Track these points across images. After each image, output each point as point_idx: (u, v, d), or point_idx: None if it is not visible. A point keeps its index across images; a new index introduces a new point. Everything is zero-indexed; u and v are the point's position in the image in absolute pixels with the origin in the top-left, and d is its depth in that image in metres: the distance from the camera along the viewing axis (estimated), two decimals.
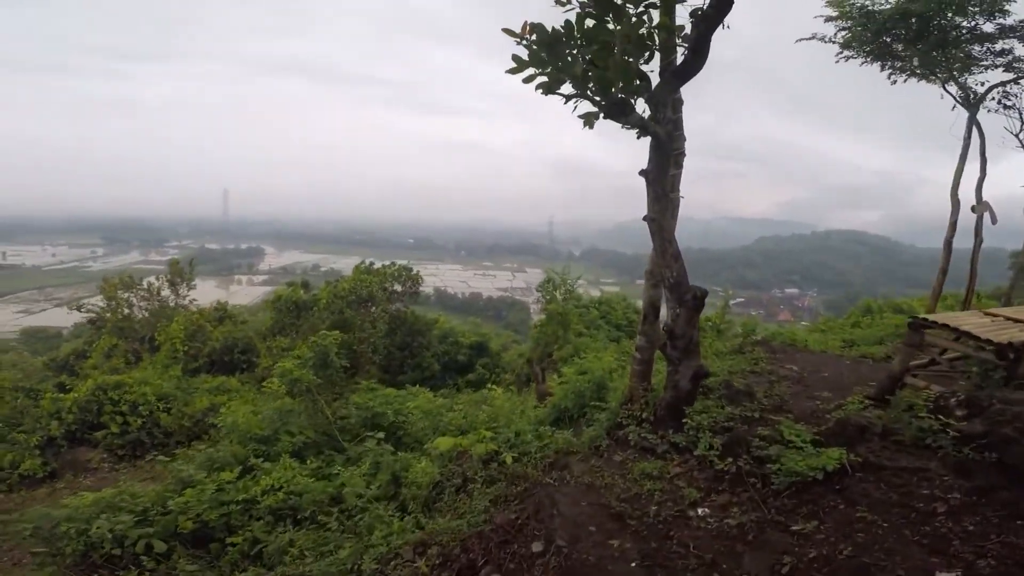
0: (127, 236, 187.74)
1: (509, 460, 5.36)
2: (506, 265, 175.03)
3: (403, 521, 4.72)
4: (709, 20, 4.30)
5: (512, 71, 4.39)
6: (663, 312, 5.87)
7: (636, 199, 5.54)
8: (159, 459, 8.45)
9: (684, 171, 5.89)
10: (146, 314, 20.64)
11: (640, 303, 6.55)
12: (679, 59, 4.91)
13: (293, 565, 4.14)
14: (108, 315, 20.50)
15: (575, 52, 4.34)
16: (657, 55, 4.75)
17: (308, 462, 6.25)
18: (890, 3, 9.33)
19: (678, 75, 4.88)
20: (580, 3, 4.16)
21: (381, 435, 6.24)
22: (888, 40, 9.95)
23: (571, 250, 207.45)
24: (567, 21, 4.16)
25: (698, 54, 4.56)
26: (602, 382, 7.25)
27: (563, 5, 4.26)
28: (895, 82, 10.83)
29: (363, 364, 16.79)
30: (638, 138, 5.25)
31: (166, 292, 21.56)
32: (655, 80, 4.76)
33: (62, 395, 11.36)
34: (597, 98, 4.58)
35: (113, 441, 10.34)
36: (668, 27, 4.54)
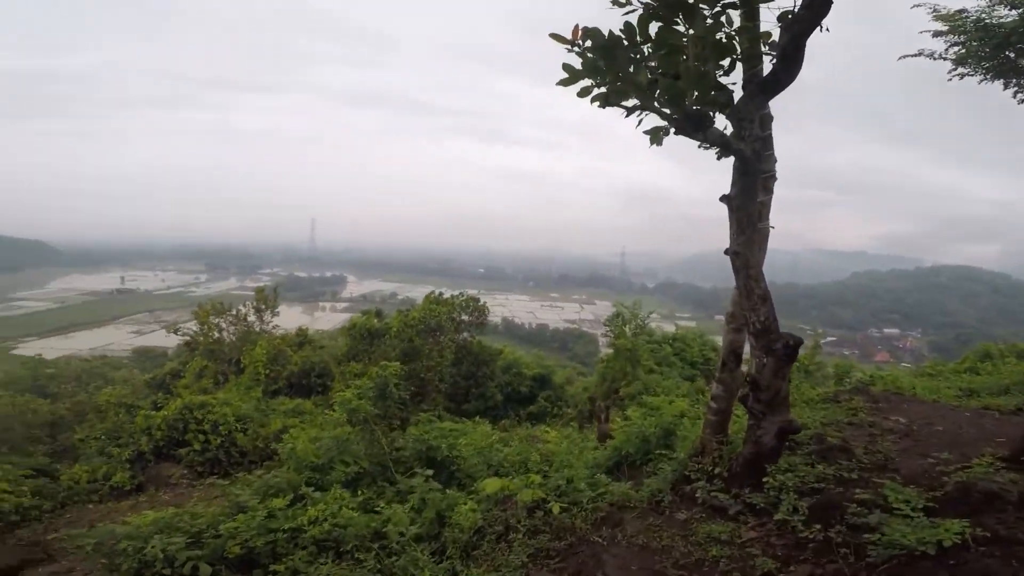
0: (227, 263, 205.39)
1: (556, 510, 4.98)
2: (574, 297, 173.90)
3: (437, 567, 4.49)
4: (803, 23, 3.76)
5: (564, 83, 3.96)
6: (746, 358, 5.23)
7: (715, 228, 5.04)
8: (217, 483, 8.76)
9: (772, 198, 5.30)
10: (234, 338, 22.02)
11: (719, 341, 5.99)
12: (766, 70, 4.41)
13: None
14: (200, 338, 22.03)
15: (638, 59, 3.91)
16: (739, 65, 4.30)
17: (359, 493, 6.22)
18: (1013, 15, 8.36)
19: (766, 87, 4.33)
20: (643, 3, 3.67)
21: (429, 472, 6.14)
22: (1012, 55, 8.89)
23: (644, 283, 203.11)
24: (627, 23, 3.69)
25: (790, 63, 4.00)
26: (670, 428, 6.69)
27: (621, 6, 3.72)
28: (1023, 101, 9.62)
29: (430, 392, 16.88)
30: (719, 158, 4.75)
31: (252, 318, 22.94)
32: (737, 94, 4.30)
33: (154, 412, 12.19)
34: (667, 111, 4.16)
35: (194, 458, 10.92)
36: (752, 32, 4.08)
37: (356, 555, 4.82)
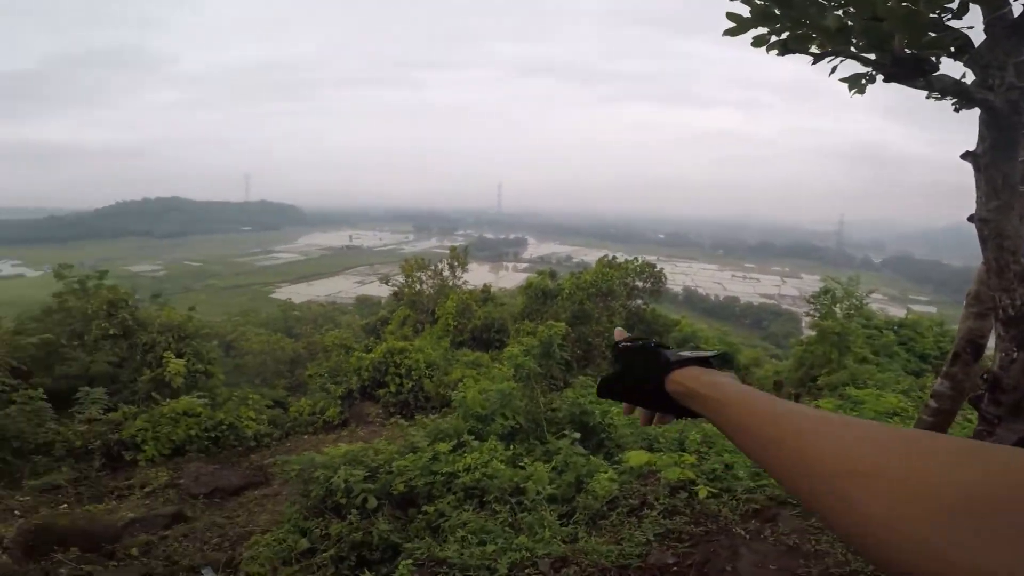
0: (430, 224, 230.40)
1: (703, 494, 4.53)
2: (774, 269, 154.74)
3: (561, 528, 4.42)
4: None
5: (731, 32, 3.36)
6: (989, 352, 4.07)
7: (970, 197, 3.91)
8: (401, 423, 9.86)
9: None
10: (431, 291, 24.58)
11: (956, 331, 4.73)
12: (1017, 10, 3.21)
13: (449, 546, 4.21)
14: (406, 290, 25.01)
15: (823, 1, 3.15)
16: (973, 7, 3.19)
17: (511, 447, 6.42)
18: None
19: (1019, 28, 3.19)
20: None
21: (577, 436, 6.10)
22: None
23: (868, 256, 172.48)
24: None
25: None
26: None
27: None
28: None
29: (595, 357, 16.81)
30: (956, 110, 3.68)
31: (447, 273, 25.29)
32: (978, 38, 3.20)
33: (365, 355, 14.18)
34: (871, 56, 3.30)
35: (389, 399, 12.45)
36: None
37: (494, 506, 5.00)
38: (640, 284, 19.48)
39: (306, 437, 10.90)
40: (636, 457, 5.23)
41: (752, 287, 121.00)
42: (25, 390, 9.59)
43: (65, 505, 7.47)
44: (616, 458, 6.00)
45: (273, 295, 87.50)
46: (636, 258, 20.73)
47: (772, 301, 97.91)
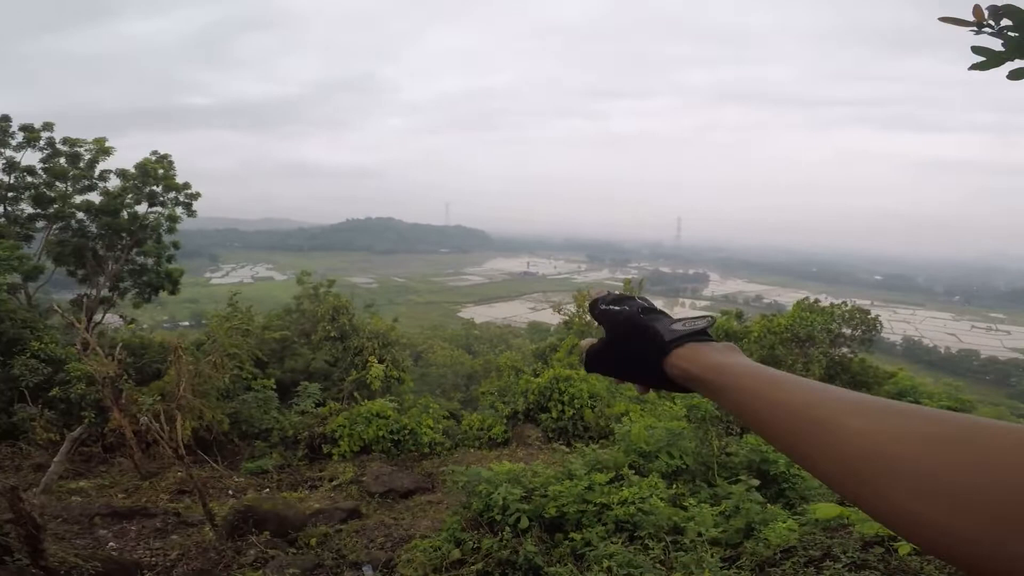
0: (603, 255, 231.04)
1: (905, 550, 3.65)
2: None
3: (721, 571, 3.94)
4: None
5: (980, 66, 2.64)
6: None
7: None
8: (560, 448, 9.66)
9: None
10: None
11: None
12: None
13: (592, 575, 4.00)
14: (576, 319, 25.17)
15: None
16: None
17: (674, 486, 6.12)
18: None
19: None
20: None
21: (756, 483, 5.54)
22: None
23: None
24: None
25: None
26: None
27: None
28: None
29: None
30: None
31: None
32: None
33: (532, 379, 14.50)
34: None
35: (549, 424, 12.47)
36: None
37: (646, 541, 4.75)
38: (848, 331, 16.73)
39: (472, 451, 11.32)
40: (825, 510, 4.39)
41: (999, 340, 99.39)
42: (261, 380, 11.49)
43: (268, 490, 8.59)
44: (799, 509, 5.38)
45: (459, 313, 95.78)
46: (844, 302, 17.94)
47: None
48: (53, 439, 9.21)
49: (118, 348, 8.97)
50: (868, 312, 17.39)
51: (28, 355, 10.22)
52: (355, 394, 13.25)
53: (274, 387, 11.56)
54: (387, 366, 15.10)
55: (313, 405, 11.25)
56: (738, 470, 6.47)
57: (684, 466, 6.78)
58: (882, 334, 17.83)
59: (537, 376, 14.76)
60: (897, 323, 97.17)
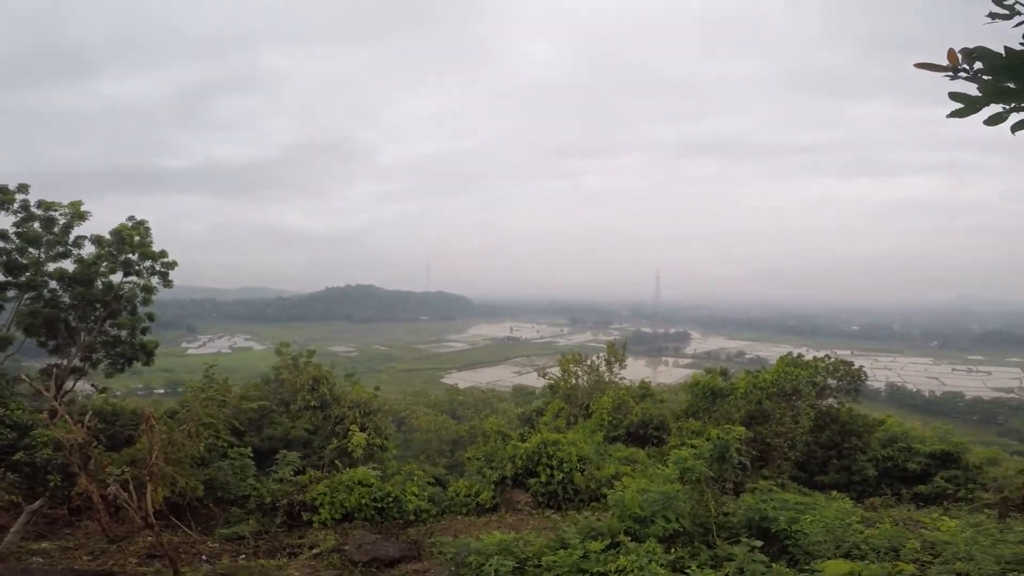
0: (585, 317, 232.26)
1: None
2: (1011, 359, 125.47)
3: None
4: None
5: (958, 114, 2.94)
6: None
7: None
8: (551, 516, 9.29)
9: None
10: (586, 385, 24.13)
11: None
12: None
13: None
14: (561, 383, 24.94)
15: None
16: None
17: (672, 551, 5.87)
18: None
19: None
20: None
21: (758, 544, 5.38)
22: None
23: None
24: None
25: None
26: None
27: (1007, 17, 2.73)
28: None
29: (774, 458, 14.69)
30: None
31: (603, 369, 24.75)
32: None
33: (520, 443, 14.14)
34: None
35: (538, 489, 12.09)
36: None
37: None
38: (833, 383, 16.87)
39: (460, 518, 10.94)
40: (836, 567, 4.23)
41: (981, 381, 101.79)
42: (238, 448, 11.17)
43: (244, 556, 8.18)
44: (805, 567, 5.18)
45: (443, 379, 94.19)
46: (827, 355, 18.21)
47: (1011, 395, 79.87)
48: (15, 501, 9.06)
49: (88, 415, 8.79)
50: (852, 363, 17.64)
51: None
52: (336, 462, 12.90)
53: (251, 455, 11.22)
54: (369, 434, 14.71)
55: (292, 473, 11.02)
56: (737, 530, 6.27)
57: (681, 529, 6.55)
58: (866, 382, 17.97)
59: (524, 441, 14.47)
60: (879, 370, 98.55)
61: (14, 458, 9.67)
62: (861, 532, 6.15)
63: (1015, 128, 3.07)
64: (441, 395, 39.31)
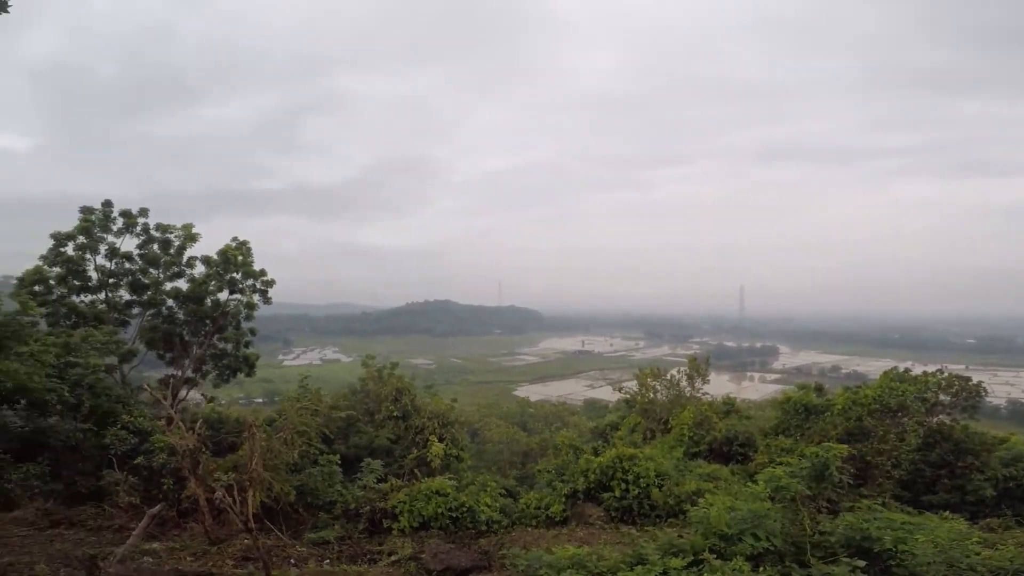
0: (661, 331, 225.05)
1: None
2: None
3: None
4: None
5: None
6: None
7: None
8: (627, 531, 8.98)
9: None
10: (665, 400, 23.35)
11: None
12: None
13: None
14: (638, 397, 24.27)
15: None
16: None
17: (762, 569, 5.51)
18: None
19: None
20: None
21: (861, 563, 5.05)
22: None
23: None
24: None
25: None
26: None
27: None
28: None
29: (875, 476, 13.46)
30: None
31: (684, 384, 23.89)
32: None
33: (593, 457, 13.90)
34: None
35: (612, 504, 11.78)
36: None
37: None
38: (945, 399, 15.26)
39: (530, 529, 10.91)
40: None
41: None
42: (327, 455, 11.78)
43: (328, 561, 8.57)
44: None
45: (515, 392, 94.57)
46: (939, 369, 16.56)
47: None
48: (134, 503, 9.89)
49: (199, 423, 9.51)
50: (968, 378, 15.91)
51: (119, 427, 11.04)
52: (416, 471, 13.27)
53: (338, 462, 11.80)
54: (447, 445, 15.08)
55: (375, 480, 11.41)
56: (835, 549, 5.81)
57: (771, 548, 6.14)
58: (985, 398, 16.15)
59: (598, 454, 14.23)
60: (1000, 386, 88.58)
61: (135, 461, 10.46)
62: (979, 553, 5.61)
63: None
64: (513, 407, 39.47)
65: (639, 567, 5.27)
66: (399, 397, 16.79)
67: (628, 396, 24.97)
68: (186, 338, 17.93)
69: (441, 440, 15.08)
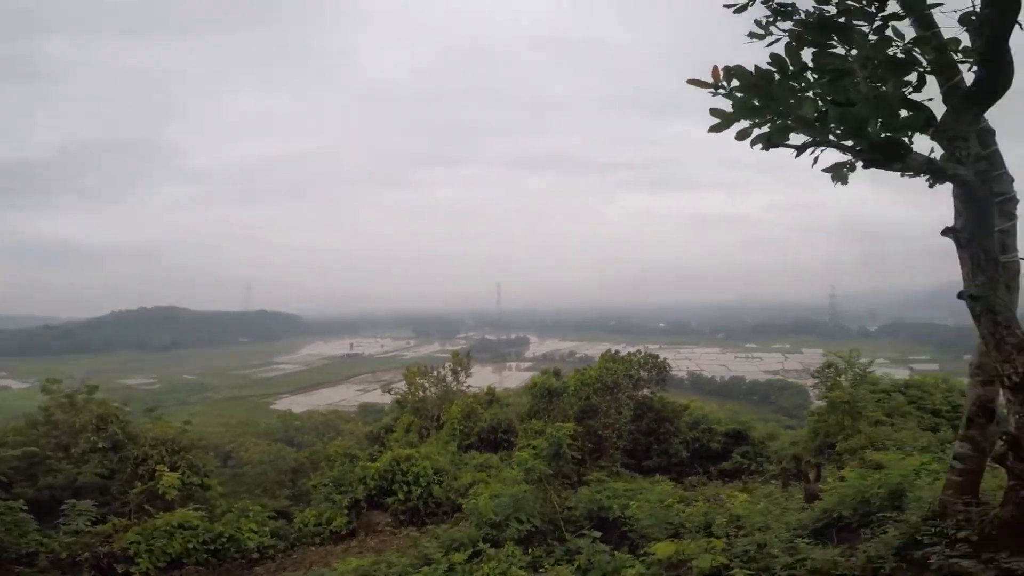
0: (430, 329, 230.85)
1: None
2: (775, 347, 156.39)
3: None
4: (993, 25, 3.15)
5: (715, 128, 3.67)
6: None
7: (954, 259, 4.26)
8: (411, 534, 9.54)
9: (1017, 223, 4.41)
10: (435, 396, 24.36)
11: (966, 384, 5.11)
12: (969, 79, 3.70)
13: None
14: (409, 396, 24.81)
15: (798, 90, 3.54)
16: (929, 79, 3.68)
17: (530, 551, 6.33)
18: None
19: (975, 98, 3.63)
20: (786, 30, 3.38)
21: (597, 534, 5.96)
22: None
23: (864, 326, 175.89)
24: (774, 56, 3.41)
25: (994, 66, 3.33)
26: (899, 487, 5.57)
27: (761, 37, 3.44)
28: None
29: (607, 449, 16.60)
30: (931, 186, 4.08)
31: (450, 379, 25.22)
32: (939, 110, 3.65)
33: (370, 463, 13.93)
34: (847, 143, 3.65)
35: (398, 507, 12.14)
36: (932, 41, 3.49)
37: None
38: (644, 375, 19.52)
39: (313, 548, 10.56)
40: (663, 548, 5.15)
41: (756, 366, 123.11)
42: (4, 501, 9.52)
43: None
44: (642, 550, 5.88)
45: (273, 406, 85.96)
46: (639, 350, 20.98)
47: (777, 377, 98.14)
48: None
49: None
50: (657, 356, 20.61)
51: None
52: (145, 507, 11.59)
53: (24, 507, 9.66)
54: (183, 473, 13.32)
55: (88, 523, 9.81)
56: (581, 522, 6.95)
57: (534, 528, 7.08)
58: (672, 372, 21.05)
59: (374, 460, 14.28)
60: (681, 361, 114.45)
61: None
62: (682, 512, 7.01)
63: (754, 143, 3.90)
64: (273, 422, 36.10)
65: (426, 568, 5.64)
66: (104, 425, 14.24)
67: (399, 396, 25.37)
68: None
69: (174, 468, 13.26)
